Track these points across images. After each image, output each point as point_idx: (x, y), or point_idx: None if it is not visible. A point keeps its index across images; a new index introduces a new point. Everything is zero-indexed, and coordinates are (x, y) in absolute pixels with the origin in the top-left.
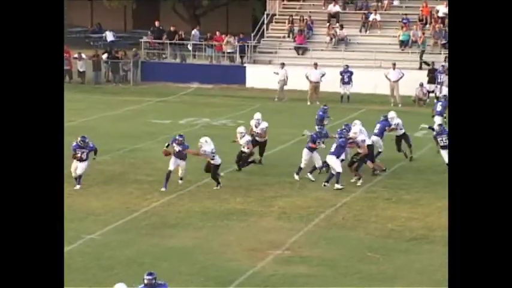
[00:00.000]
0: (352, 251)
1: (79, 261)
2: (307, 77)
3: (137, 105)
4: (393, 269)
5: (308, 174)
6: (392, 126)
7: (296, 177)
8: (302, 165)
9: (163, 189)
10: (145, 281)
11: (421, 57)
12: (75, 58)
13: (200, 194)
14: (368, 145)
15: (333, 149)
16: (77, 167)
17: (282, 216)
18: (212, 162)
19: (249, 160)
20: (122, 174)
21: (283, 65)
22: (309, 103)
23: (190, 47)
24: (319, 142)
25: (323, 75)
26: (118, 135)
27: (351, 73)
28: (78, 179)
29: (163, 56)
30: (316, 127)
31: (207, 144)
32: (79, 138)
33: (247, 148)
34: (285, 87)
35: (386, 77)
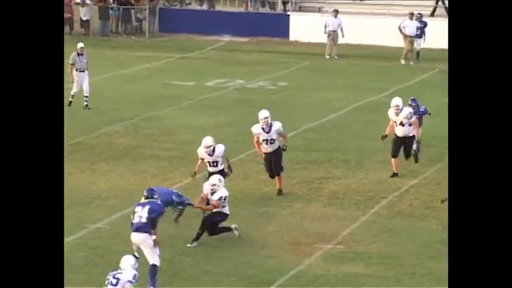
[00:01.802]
0: (421, 246)
1: (81, 257)
2: (400, 30)
3: (154, 62)
4: None
5: None
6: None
7: None
8: None
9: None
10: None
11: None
12: (77, 4)
13: (232, 174)
14: None
15: None
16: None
17: (334, 202)
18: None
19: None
20: (135, 148)
21: (336, 12)
22: (403, 62)
23: None
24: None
25: (419, 28)
26: (130, 100)
27: (425, 24)
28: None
29: (187, 1)
30: None
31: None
32: (148, 194)
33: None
34: (339, 41)
35: None
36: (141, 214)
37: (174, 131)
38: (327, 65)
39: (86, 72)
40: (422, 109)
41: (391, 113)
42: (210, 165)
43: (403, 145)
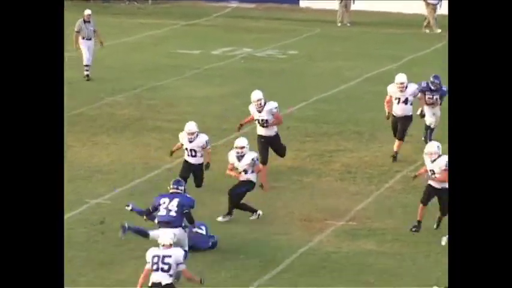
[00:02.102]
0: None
1: (81, 233)
2: None
3: (157, 30)
4: None
5: None
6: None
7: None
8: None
9: None
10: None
11: None
12: None
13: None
14: None
15: None
16: None
17: (346, 177)
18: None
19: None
20: (138, 120)
21: None
22: (427, 31)
23: None
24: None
25: None
26: (133, 69)
27: None
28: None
29: None
30: None
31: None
32: (175, 184)
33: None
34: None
35: None
36: (169, 207)
37: (178, 102)
38: (338, 32)
39: (93, 40)
40: (445, 89)
41: (392, 88)
42: (187, 154)
43: (398, 124)
